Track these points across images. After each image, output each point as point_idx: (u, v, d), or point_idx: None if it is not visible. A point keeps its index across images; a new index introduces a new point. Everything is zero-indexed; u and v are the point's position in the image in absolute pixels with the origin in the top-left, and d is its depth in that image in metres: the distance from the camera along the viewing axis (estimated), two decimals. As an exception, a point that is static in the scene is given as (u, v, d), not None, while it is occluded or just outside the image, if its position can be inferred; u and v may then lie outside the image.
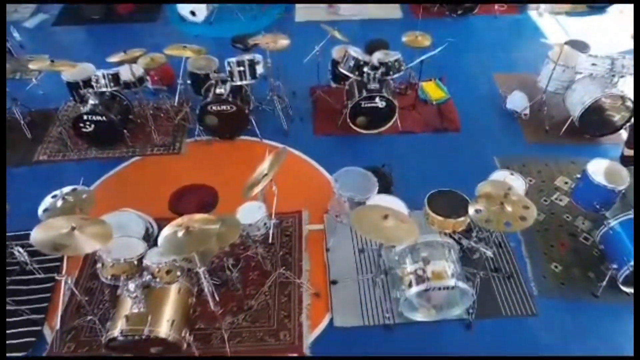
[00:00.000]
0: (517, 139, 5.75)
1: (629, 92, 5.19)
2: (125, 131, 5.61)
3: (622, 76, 5.25)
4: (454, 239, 4.04)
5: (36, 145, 5.75)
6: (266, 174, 3.71)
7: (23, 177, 5.36)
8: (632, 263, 3.85)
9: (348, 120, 5.66)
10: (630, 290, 4.08)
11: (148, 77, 5.87)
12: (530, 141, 5.72)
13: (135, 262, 3.57)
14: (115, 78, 5.38)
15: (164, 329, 3.46)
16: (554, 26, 7.85)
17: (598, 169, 4.38)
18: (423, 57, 5.66)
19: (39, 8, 8.45)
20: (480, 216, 3.46)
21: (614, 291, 4.10)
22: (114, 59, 5.35)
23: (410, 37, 5.80)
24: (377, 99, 5.47)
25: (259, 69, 5.49)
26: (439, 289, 3.69)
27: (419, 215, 4.03)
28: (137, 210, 4.18)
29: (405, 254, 3.89)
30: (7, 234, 4.30)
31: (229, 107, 5.40)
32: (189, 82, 5.84)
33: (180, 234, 3.20)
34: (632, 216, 4.05)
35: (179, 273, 3.60)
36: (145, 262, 3.55)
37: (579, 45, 5.99)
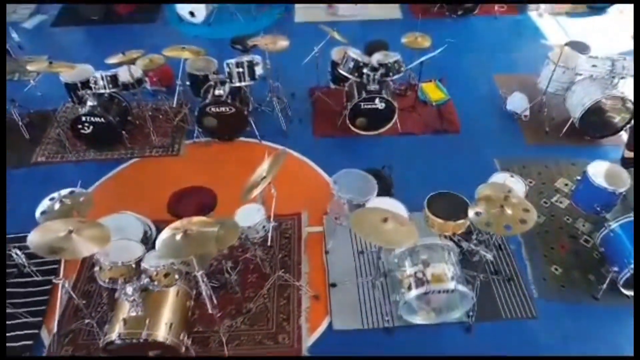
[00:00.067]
0: (517, 141, 5.73)
1: (629, 94, 5.18)
2: (123, 133, 5.59)
3: (622, 77, 5.25)
4: (454, 242, 4.02)
5: (34, 146, 5.73)
6: (265, 176, 3.69)
7: (21, 179, 5.33)
8: (632, 265, 3.83)
9: (347, 121, 5.64)
10: (630, 293, 4.06)
11: (147, 79, 5.85)
12: (530, 142, 5.70)
13: (133, 265, 3.55)
14: (114, 79, 5.36)
15: (162, 333, 3.45)
16: (554, 27, 7.83)
17: (598, 170, 4.37)
18: (423, 58, 5.64)
19: (37, 9, 8.43)
20: (480, 219, 3.44)
21: (615, 294, 4.08)
22: (112, 60, 5.34)
23: (410, 38, 5.79)
24: (376, 100, 5.45)
25: (258, 70, 5.50)
26: (439, 292, 3.67)
27: (418, 217, 4.02)
28: (135, 213, 4.17)
29: (404, 256, 3.86)
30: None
31: (228, 109, 5.38)
32: (187, 83, 5.83)
33: (178, 237, 3.19)
34: (632, 218, 4.03)
35: (177, 276, 3.58)
36: (143, 265, 3.54)
37: (579, 47, 5.98)
